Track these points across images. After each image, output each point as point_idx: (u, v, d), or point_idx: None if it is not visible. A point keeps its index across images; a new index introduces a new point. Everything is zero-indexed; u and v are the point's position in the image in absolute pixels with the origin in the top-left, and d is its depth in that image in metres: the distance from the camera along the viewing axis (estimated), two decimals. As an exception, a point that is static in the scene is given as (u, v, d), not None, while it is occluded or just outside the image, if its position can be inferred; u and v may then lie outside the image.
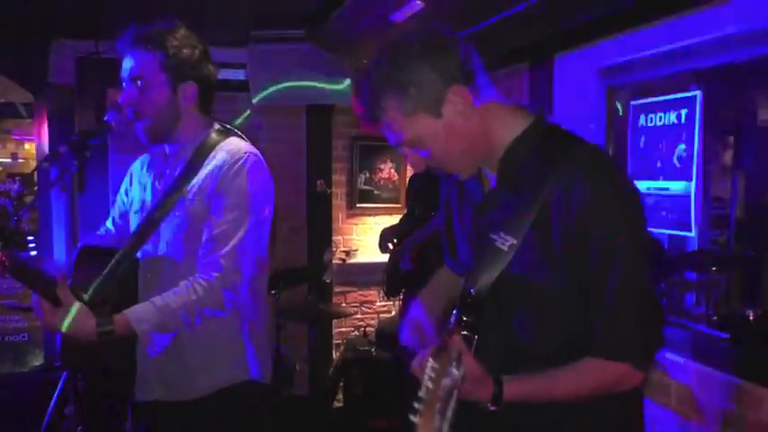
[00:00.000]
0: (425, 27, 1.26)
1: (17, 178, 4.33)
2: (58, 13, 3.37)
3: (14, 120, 4.42)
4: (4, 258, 1.33)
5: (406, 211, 3.79)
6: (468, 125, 1.21)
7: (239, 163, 1.70)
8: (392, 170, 4.59)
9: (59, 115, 3.73)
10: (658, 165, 2.29)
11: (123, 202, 1.94)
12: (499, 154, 1.24)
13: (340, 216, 4.56)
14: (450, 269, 1.57)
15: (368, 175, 4.57)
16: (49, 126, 3.69)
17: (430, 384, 0.93)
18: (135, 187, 1.90)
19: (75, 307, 1.45)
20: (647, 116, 2.34)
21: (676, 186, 2.22)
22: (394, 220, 4.54)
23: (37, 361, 4.07)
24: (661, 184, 2.27)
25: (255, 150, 1.77)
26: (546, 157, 1.18)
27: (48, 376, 3.64)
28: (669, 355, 2.23)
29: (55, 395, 2.63)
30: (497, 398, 1.11)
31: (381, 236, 3.66)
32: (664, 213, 2.22)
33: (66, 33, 3.73)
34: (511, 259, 1.16)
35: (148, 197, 1.81)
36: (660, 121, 2.27)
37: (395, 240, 3.53)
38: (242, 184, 1.69)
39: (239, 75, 3.58)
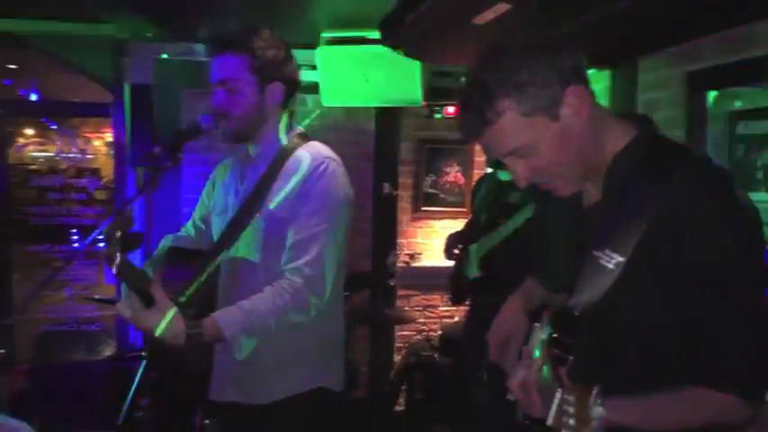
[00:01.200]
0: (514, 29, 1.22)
1: (87, 174, 4.49)
2: (137, 17, 3.48)
3: (82, 118, 4.60)
4: (120, 261, 1.35)
5: (470, 218, 3.73)
6: (583, 129, 1.15)
7: (321, 168, 1.70)
8: (458, 173, 4.54)
9: (137, 115, 3.84)
10: (759, 176, 2.16)
11: (205, 206, 1.96)
12: (604, 165, 1.18)
13: (404, 219, 4.53)
14: (539, 282, 1.51)
15: (434, 178, 4.53)
16: (132, 125, 3.80)
17: (570, 420, 0.92)
18: (217, 190, 1.92)
19: (172, 310, 1.45)
20: (747, 123, 2.21)
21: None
22: (459, 224, 4.48)
23: (109, 350, 4.22)
24: (764, 195, 2.14)
25: (335, 155, 1.77)
26: (655, 170, 1.11)
27: (119, 366, 3.76)
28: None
29: (133, 386, 2.70)
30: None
31: (446, 243, 3.61)
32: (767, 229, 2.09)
33: (145, 36, 3.84)
34: (616, 278, 1.09)
35: (231, 200, 1.82)
36: (763, 129, 2.13)
37: (460, 247, 3.48)
38: (325, 189, 1.69)
39: (309, 76, 3.61)
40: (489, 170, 3.62)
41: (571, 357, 1.09)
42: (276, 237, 1.69)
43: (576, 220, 1.26)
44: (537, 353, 1.22)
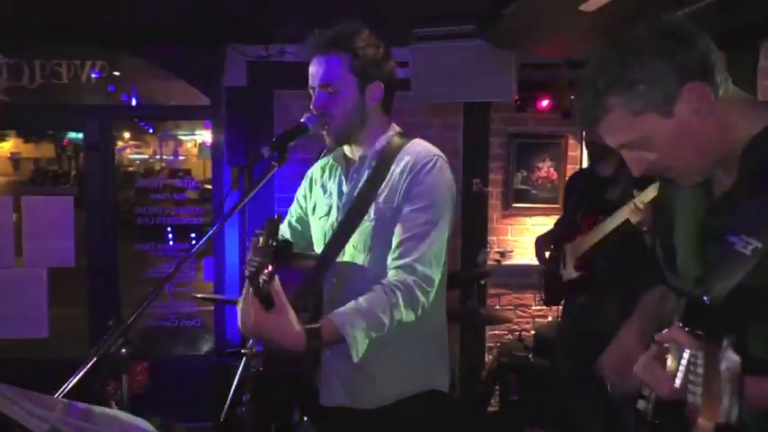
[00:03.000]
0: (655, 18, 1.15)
1: (180, 174, 4.66)
2: (231, 20, 3.57)
3: (176, 121, 4.78)
4: (269, 272, 1.34)
5: (561, 216, 3.59)
6: (703, 125, 1.10)
7: (429, 165, 1.67)
8: (551, 169, 4.39)
9: (232, 117, 3.95)
10: None
11: (301, 207, 1.95)
12: (737, 152, 1.12)
13: (495, 216, 4.44)
14: (665, 286, 1.42)
15: (525, 173, 4.41)
16: (225, 127, 3.91)
17: (699, 369, 0.87)
18: (316, 192, 1.90)
19: (291, 313, 1.44)
20: None
21: None
22: (551, 220, 4.34)
23: (207, 346, 4.37)
24: None
25: (441, 152, 1.73)
26: None
27: (218, 362, 3.89)
28: None
29: (235, 381, 2.77)
30: None
31: (536, 245, 3.50)
32: None
33: (239, 38, 3.95)
34: (755, 265, 1.04)
35: (336, 202, 1.81)
36: None
37: (552, 247, 3.36)
38: (433, 187, 1.66)
39: (401, 73, 3.59)
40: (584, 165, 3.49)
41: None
42: (384, 237, 1.67)
43: (705, 211, 1.21)
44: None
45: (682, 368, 0.91)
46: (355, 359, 1.53)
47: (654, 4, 2.13)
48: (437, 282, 1.64)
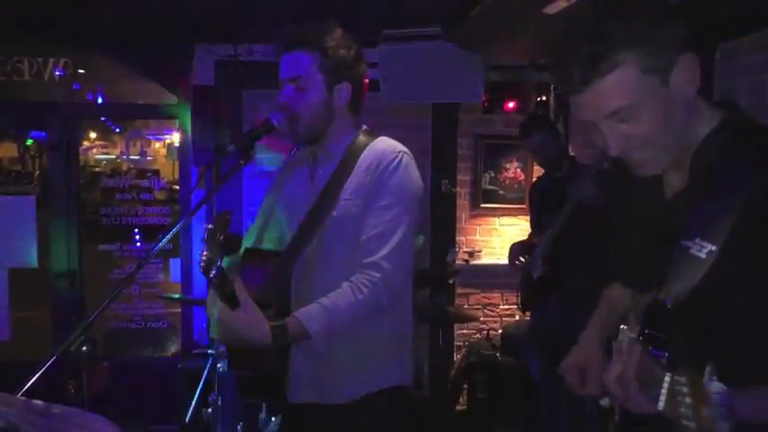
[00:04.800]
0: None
1: (149, 174, 4.60)
2: (199, 19, 3.54)
3: (144, 120, 4.73)
4: (219, 267, 1.34)
5: (530, 224, 3.67)
6: (686, 103, 1.10)
7: (395, 162, 1.68)
8: (518, 169, 4.46)
9: (200, 116, 3.91)
10: None
11: (271, 204, 1.94)
12: (689, 152, 1.13)
13: (463, 216, 4.48)
14: (620, 281, 1.45)
15: (492, 174, 4.47)
16: (193, 126, 3.88)
17: (687, 399, 0.88)
18: (284, 189, 1.90)
19: (256, 311, 1.45)
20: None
21: None
22: (519, 221, 4.42)
23: (175, 347, 4.32)
24: None
25: (407, 149, 1.75)
26: (747, 155, 1.06)
27: (185, 363, 3.85)
28: None
29: (201, 384, 2.75)
30: None
31: (510, 251, 3.55)
32: None
33: (207, 37, 3.92)
34: (709, 268, 1.05)
35: (301, 200, 1.81)
36: None
37: (526, 256, 3.42)
38: (399, 183, 1.67)
39: (370, 74, 3.60)
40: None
41: (666, 354, 1.04)
42: (349, 232, 1.68)
43: (659, 212, 1.21)
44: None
45: (663, 392, 0.92)
46: (320, 356, 1.53)
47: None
48: (402, 277, 1.65)
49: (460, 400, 4.03)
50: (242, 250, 1.82)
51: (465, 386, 3.95)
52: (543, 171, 3.52)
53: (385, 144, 1.74)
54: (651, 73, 1.06)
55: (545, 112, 3.96)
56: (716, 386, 0.86)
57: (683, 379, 0.89)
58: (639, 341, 1.06)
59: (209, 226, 1.34)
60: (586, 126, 1.17)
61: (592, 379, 1.38)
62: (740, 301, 1.08)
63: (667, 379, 0.91)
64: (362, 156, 1.72)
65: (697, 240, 1.07)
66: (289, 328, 1.50)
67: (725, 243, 1.04)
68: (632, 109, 1.09)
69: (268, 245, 1.87)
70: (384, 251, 1.61)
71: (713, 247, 1.04)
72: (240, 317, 1.43)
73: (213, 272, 1.33)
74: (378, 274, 1.60)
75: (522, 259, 3.33)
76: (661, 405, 0.92)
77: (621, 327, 1.28)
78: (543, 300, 3.32)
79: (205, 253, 1.33)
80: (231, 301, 1.40)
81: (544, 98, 4.06)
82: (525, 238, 3.64)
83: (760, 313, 1.08)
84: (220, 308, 1.42)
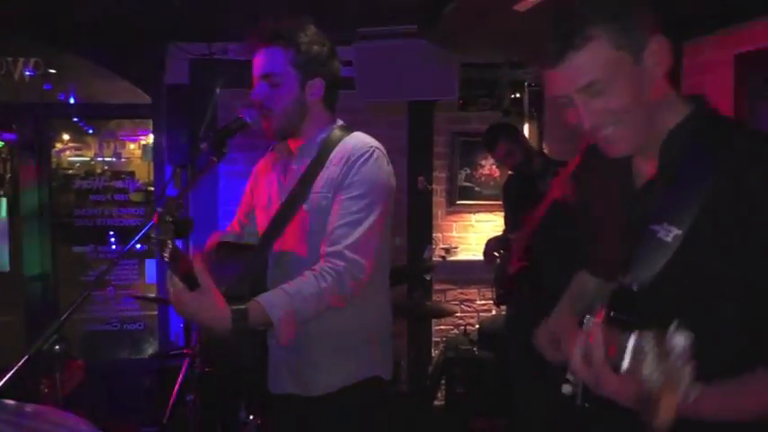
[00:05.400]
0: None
1: (124, 176, 4.56)
2: (173, 18, 3.52)
3: (118, 121, 4.68)
4: (171, 247, 1.35)
5: (505, 220, 3.72)
6: (658, 85, 1.13)
7: (365, 155, 1.70)
8: (493, 166, 4.49)
9: (174, 115, 3.89)
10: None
11: (248, 201, 1.97)
12: (659, 139, 1.16)
13: (439, 213, 4.51)
14: (587, 268, 1.48)
15: (468, 171, 4.50)
16: (169, 126, 3.86)
17: (649, 356, 0.88)
18: (261, 185, 1.92)
19: (216, 294, 1.45)
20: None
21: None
22: (495, 217, 4.46)
23: (152, 349, 4.29)
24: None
25: (380, 144, 1.77)
26: (714, 144, 1.10)
27: (162, 364, 3.82)
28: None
29: (177, 383, 2.73)
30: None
31: (486, 246, 3.59)
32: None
33: (181, 36, 3.89)
34: (675, 252, 1.08)
35: (275, 194, 1.83)
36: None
37: (501, 251, 3.45)
38: (368, 177, 1.69)
39: (345, 72, 3.61)
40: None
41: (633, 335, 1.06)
42: (321, 226, 1.69)
43: (628, 201, 1.23)
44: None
45: (628, 352, 0.92)
46: (283, 344, 1.54)
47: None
48: (369, 269, 1.66)
49: (438, 395, 4.06)
50: (213, 246, 1.83)
51: (443, 381, 3.98)
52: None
53: (357, 139, 1.76)
54: (623, 50, 1.10)
55: (503, 121, 3.95)
56: (678, 337, 0.86)
57: (648, 336, 0.89)
58: (606, 323, 1.08)
59: (159, 209, 1.35)
60: (562, 103, 1.18)
61: (564, 346, 1.39)
62: (700, 287, 1.11)
63: (633, 338, 0.92)
64: (335, 150, 1.74)
65: (664, 225, 1.10)
66: (250, 313, 1.49)
67: (690, 228, 1.07)
68: (604, 83, 1.12)
69: (250, 239, 1.89)
70: (349, 241, 1.63)
71: (679, 232, 1.08)
72: (199, 299, 1.43)
73: (166, 253, 1.34)
74: (341, 263, 1.60)
75: (498, 254, 3.36)
76: (626, 365, 0.92)
77: (587, 316, 1.32)
78: (518, 294, 3.36)
79: (156, 235, 1.34)
80: (190, 281, 1.40)
81: (518, 95, 4.10)
82: (501, 233, 3.68)
83: (721, 299, 1.11)
84: (179, 288, 1.42)
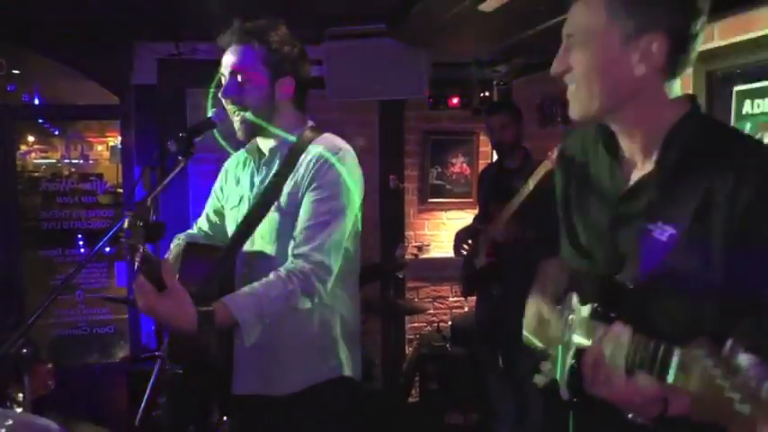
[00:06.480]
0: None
1: (92, 178, 4.50)
2: (140, 17, 3.48)
3: (86, 122, 4.61)
4: (142, 253, 1.35)
5: (478, 211, 3.73)
6: (633, 77, 1.12)
7: (334, 158, 1.70)
8: (464, 164, 4.55)
9: (142, 116, 3.85)
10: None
11: (218, 199, 1.97)
12: (656, 136, 1.15)
13: (411, 211, 4.55)
14: (564, 259, 1.49)
15: (439, 169, 4.54)
16: (138, 126, 3.81)
17: (716, 370, 0.86)
18: (231, 184, 1.92)
19: (183, 295, 1.44)
20: (752, 102, 2.23)
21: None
22: (466, 214, 4.50)
23: (123, 353, 4.23)
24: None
25: (349, 147, 1.78)
26: (711, 146, 1.11)
27: (133, 367, 3.78)
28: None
29: (149, 385, 2.71)
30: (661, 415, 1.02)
31: (455, 238, 3.61)
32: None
33: (148, 36, 3.85)
34: (670, 250, 1.08)
35: (246, 193, 1.83)
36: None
37: (469, 242, 3.48)
38: (336, 179, 1.69)
39: (316, 71, 3.61)
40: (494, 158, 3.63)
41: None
42: (290, 227, 1.70)
43: (622, 195, 1.22)
44: (572, 337, 1.20)
45: (673, 371, 0.91)
46: (247, 344, 1.54)
47: (548, 4, 2.26)
48: (335, 270, 1.67)
49: (413, 391, 4.09)
50: (181, 248, 1.82)
51: (417, 378, 4.01)
52: (495, 159, 3.54)
53: (327, 141, 1.76)
54: (616, 23, 1.10)
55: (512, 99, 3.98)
56: (743, 356, 0.84)
57: (700, 351, 0.87)
58: (591, 318, 1.10)
59: (131, 213, 1.35)
60: None
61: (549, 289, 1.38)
62: (692, 286, 1.11)
63: (677, 354, 0.92)
64: (305, 151, 1.75)
65: (659, 223, 1.10)
66: (216, 315, 1.49)
67: (686, 228, 1.07)
68: (580, 41, 1.13)
69: (218, 238, 1.89)
70: (315, 243, 1.64)
71: (674, 231, 1.08)
72: (165, 301, 1.42)
73: (138, 257, 1.34)
74: (308, 265, 1.62)
75: (467, 246, 3.38)
76: (671, 378, 0.92)
77: (558, 307, 1.33)
78: (486, 288, 3.39)
79: (128, 240, 1.34)
80: (158, 283, 1.40)
81: (487, 94, 4.15)
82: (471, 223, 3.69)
83: (707, 300, 1.11)
84: (147, 289, 1.41)
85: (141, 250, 1.34)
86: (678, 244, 1.08)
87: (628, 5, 1.09)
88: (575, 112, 1.21)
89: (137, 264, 1.36)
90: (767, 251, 1.06)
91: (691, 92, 2.41)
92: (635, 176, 1.21)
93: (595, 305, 1.11)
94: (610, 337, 1.04)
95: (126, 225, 1.34)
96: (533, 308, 1.40)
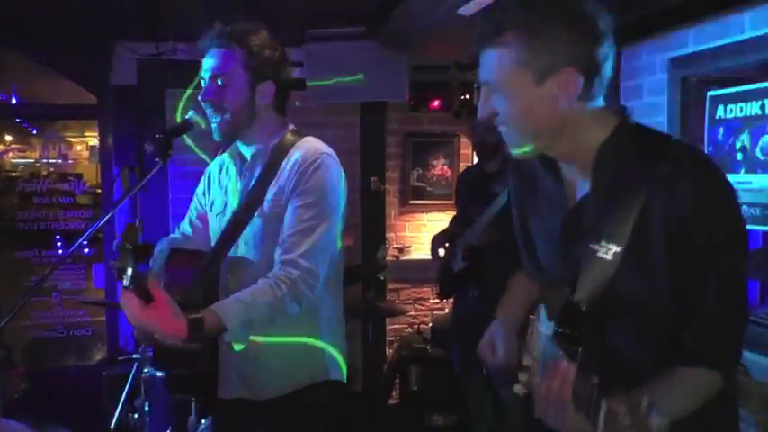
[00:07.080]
0: None
1: (70, 178, 4.45)
2: (120, 17, 3.45)
3: (64, 122, 4.56)
4: (132, 275, 1.35)
5: (455, 214, 3.74)
6: (557, 114, 1.14)
7: (316, 162, 1.70)
8: (445, 166, 4.57)
9: (122, 116, 3.82)
10: (739, 157, 2.21)
11: (201, 204, 1.95)
12: (589, 157, 1.17)
13: (393, 213, 4.56)
14: (527, 275, 1.49)
15: (420, 171, 4.56)
16: (116, 126, 3.78)
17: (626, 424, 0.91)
18: (214, 189, 1.91)
19: (171, 305, 1.44)
20: (725, 107, 2.27)
21: (760, 179, 2.14)
22: (447, 216, 4.50)
23: (100, 355, 4.19)
24: (742, 177, 2.19)
25: (331, 150, 1.78)
26: (642, 159, 1.12)
27: (111, 370, 3.74)
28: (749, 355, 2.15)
29: (126, 387, 2.69)
30: None
31: (432, 242, 3.62)
32: (745, 208, 2.15)
33: (128, 36, 3.82)
34: (616, 268, 1.10)
35: (230, 199, 1.83)
36: (741, 112, 2.19)
37: (446, 245, 3.48)
38: (319, 184, 1.69)
39: (297, 74, 3.61)
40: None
41: (580, 349, 1.09)
42: (274, 233, 1.70)
43: (563, 216, 1.24)
44: (544, 349, 1.23)
45: (602, 417, 0.94)
46: (236, 350, 1.54)
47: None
48: (323, 276, 1.68)
49: (393, 393, 4.09)
50: (165, 254, 1.81)
51: (397, 380, 4.01)
52: (474, 162, 3.54)
53: (309, 145, 1.76)
54: (525, 67, 1.11)
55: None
56: (657, 421, 0.88)
57: (621, 408, 0.91)
58: (556, 339, 1.12)
59: (121, 235, 1.35)
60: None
61: (504, 357, 1.42)
62: (640, 301, 1.14)
63: (603, 406, 0.94)
64: (287, 156, 1.74)
65: (603, 243, 1.11)
66: (205, 323, 1.49)
67: (628, 245, 1.08)
68: (499, 88, 1.15)
69: (202, 243, 1.88)
70: (302, 249, 1.64)
71: (618, 249, 1.09)
72: (153, 311, 1.42)
73: (127, 279, 1.36)
74: (296, 272, 1.62)
75: (443, 250, 3.38)
76: (599, 429, 0.95)
77: (531, 316, 1.35)
78: (463, 290, 3.40)
79: (116, 262, 1.35)
80: (146, 295, 1.41)
81: (467, 96, 4.17)
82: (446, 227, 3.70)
83: (655, 312, 1.14)
84: (135, 302, 1.41)
85: (130, 273, 1.35)
86: (623, 262, 1.10)
87: (531, 50, 1.10)
88: (512, 151, 1.22)
89: (126, 285, 1.37)
90: (705, 264, 1.09)
91: (666, 97, 2.52)
92: (579, 194, 1.23)
93: (557, 328, 1.13)
94: (558, 375, 1.06)
95: (114, 248, 1.34)
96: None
